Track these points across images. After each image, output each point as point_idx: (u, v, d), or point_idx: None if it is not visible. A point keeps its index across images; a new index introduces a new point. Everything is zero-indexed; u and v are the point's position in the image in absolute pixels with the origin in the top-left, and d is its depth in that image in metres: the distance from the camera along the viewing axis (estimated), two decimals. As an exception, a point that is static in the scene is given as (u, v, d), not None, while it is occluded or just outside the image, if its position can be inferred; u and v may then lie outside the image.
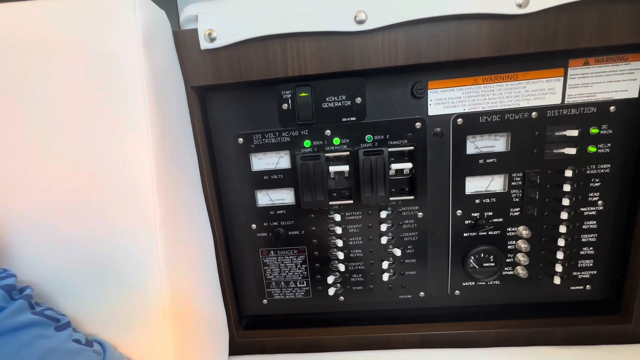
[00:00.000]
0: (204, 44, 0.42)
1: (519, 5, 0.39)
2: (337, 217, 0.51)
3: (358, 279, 0.54)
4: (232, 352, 0.55)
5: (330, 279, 0.53)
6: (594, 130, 0.45)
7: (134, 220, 0.37)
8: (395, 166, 0.47)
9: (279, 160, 0.50)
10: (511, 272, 0.52)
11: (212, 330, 0.48)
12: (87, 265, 0.39)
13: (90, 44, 0.35)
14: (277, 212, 0.52)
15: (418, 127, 0.47)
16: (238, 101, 0.48)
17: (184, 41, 0.43)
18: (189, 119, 0.45)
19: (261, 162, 0.50)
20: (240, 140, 0.49)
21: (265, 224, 0.52)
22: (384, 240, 0.51)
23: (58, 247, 0.38)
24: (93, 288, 0.39)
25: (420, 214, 0.50)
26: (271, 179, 0.50)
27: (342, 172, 0.49)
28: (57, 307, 0.38)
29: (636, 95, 0.44)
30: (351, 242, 0.52)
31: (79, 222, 0.38)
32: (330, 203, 0.50)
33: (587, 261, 0.50)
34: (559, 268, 0.50)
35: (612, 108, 0.45)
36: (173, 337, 0.39)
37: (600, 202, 0.48)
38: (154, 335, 0.39)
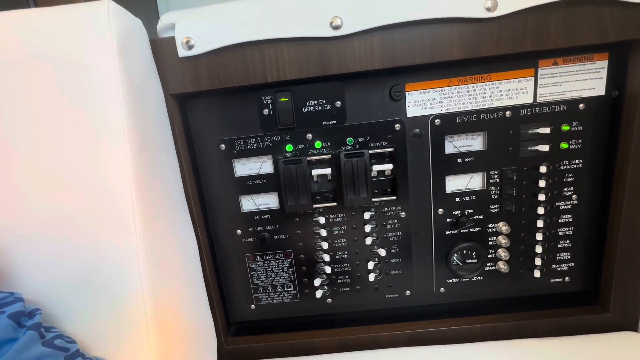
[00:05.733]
0: (182, 52, 0.43)
1: (488, 9, 0.40)
2: (322, 220, 0.51)
3: (345, 281, 0.54)
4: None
5: (317, 282, 0.53)
6: (565, 128, 0.47)
7: (114, 231, 0.36)
8: (376, 167, 0.48)
9: (262, 165, 0.50)
10: (493, 268, 0.53)
11: (198, 339, 0.48)
12: (69, 278, 0.38)
13: (64, 54, 0.35)
14: (262, 217, 0.52)
15: (397, 129, 0.48)
16: (219, 107, 0.48)
17: (162, 49, 0.43)
18: (169, 126, 0.45)
19: (244, 167, 0.51)
20: (223, 146, 0.49)
21: (250, 229, 0.52)
22: (368, 241, 0.51)
23: (40, 261, 0.38)
24: (73, 302, 0.38)
25: (403, 213, 0.51)
26: (255, 184, 0.50)
27: (324, 175, 0.50)
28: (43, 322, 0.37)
29: (603, 93, 0.46)
30: (336, 244, 0.52)
31: (60, 236, 0.37)
32: (314, 206, 0.50)
33: (565, 254, 0.52)
34: (538, 262, 0.51)
35: (581, 106, 0.46)
36: (157, 350, 0.39)
37: (574, 196, 0.50)
38: (138, 349, 0.38)
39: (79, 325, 0.39)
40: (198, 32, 0.42)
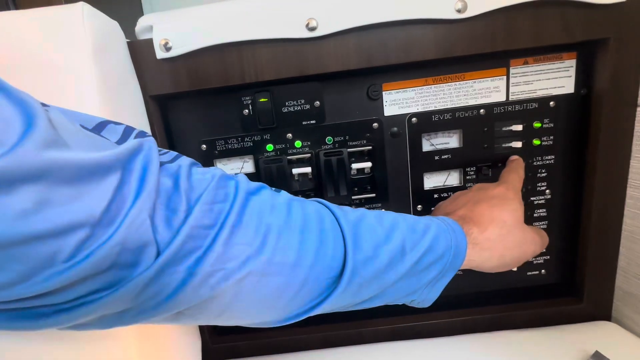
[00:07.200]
0: (160, 54, 0.43)
1: (458, 11, 0.41)
2: (304, 218, 0.52)
3: (328, 278, 0.55)
4: (206, 359, 0.55)
5: (301, 279, 0.54)
6: (536, 125, 0.49)
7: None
8: (355, 166, 0.49)
9: (244, 165, 0.51)
10: (472, 262, 0.54)
11: (181, 338, 0.48)
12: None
13: (40, 57, 0.35)
14: (245, 216, 0.52)
15: (375, 128, 0.49)
16: (199, 108, 0.49)
17: (141, 51, 0.44)
18: (149, 127, 0.45)
19: (226, 167, 0.51)
20: (204, 146, 0.50)
21: (233, 229, 0.53)
22: (350, 238, 0.52)
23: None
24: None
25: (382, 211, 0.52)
26: (237, 184, 0.51)
27: (305, 174, 0.50)
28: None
29: (572, 91, 0.48)
30: (319, 242, 0.53)
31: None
32: (296, 204, 0.51)
33: (540, 247, 0.53)
34: (515, 255, 0.53)
35: (551, 103, 0.48)
36: (138, 349, 0.39)
37: (547, 191, 0.51)
38: (118, 347, 0.39)
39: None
40: (175, 34, 0.42)
